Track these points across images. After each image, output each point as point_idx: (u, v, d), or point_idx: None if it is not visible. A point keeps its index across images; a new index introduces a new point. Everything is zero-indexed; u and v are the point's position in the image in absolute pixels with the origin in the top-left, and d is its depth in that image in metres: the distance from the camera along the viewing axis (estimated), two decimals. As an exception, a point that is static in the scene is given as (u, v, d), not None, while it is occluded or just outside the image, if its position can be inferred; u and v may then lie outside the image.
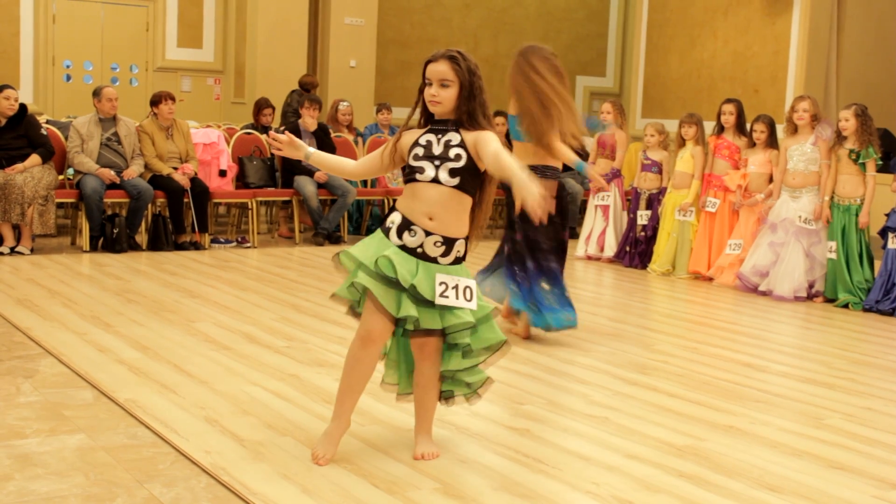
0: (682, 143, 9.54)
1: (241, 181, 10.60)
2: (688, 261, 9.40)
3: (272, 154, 10.91)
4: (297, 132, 10.63)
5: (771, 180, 8.86)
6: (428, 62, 3.96)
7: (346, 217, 11.04)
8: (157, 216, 9.72)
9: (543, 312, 6.35)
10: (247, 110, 12.95)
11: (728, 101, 9.39)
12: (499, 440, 4.41)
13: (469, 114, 3.92)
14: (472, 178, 3.92)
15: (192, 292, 7.59)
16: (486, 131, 3.90)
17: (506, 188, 5.88)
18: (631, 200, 10.12)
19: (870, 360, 6.48)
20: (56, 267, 8.50)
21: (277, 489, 3.71)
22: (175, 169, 9.81)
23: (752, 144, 9.08)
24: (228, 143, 10.76)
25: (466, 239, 4.01)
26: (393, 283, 3.86)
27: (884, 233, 8.19)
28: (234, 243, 10.28)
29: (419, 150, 3.94)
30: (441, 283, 3.88)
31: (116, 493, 3.62)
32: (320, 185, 10.53)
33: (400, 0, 15.64)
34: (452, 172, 3.89)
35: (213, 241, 10.20)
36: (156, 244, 9.62)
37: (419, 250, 3.91)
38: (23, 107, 9.35)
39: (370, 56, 14.80)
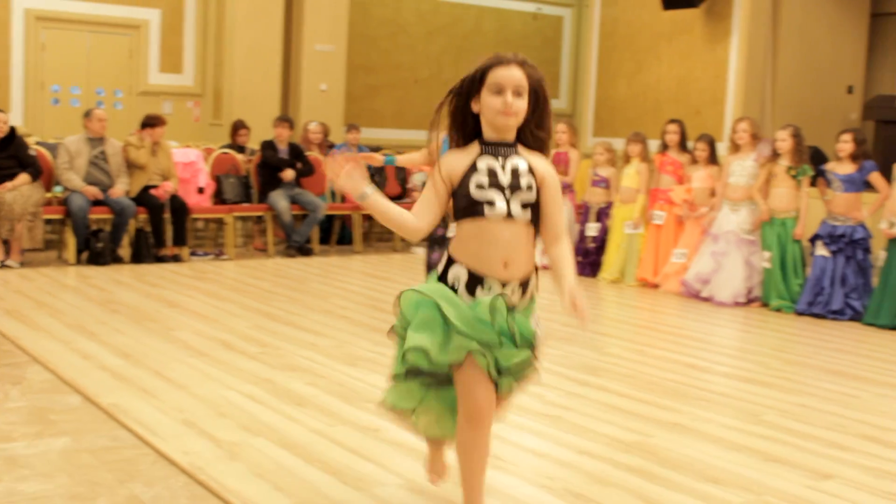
0: (627, 159, 9.60)
1: (219, 197, 10.54)
2: (636, 269, 9.44)
3: (247, 172, 10.86)
4: (273, 148, 10.62)
5: (713, 194, 8.91)
6: (490, 66, 3.09)
7: (317, 230, 11.00)
8: (139, 231, 9.64)
9: None
10: (224, 131, 12.89)
11: (671, 121, 9.46)
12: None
13: (537, 125, 3.19)
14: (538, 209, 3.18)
15: (172, 302, 7.53)
16: (553, 173, 3.24)
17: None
18: (582, 213, 10.14)
19: (803, 360, 6.52)
20: (43, 279, 8.40)
21: (251, 487, 3.68)
22: (156, 186, 9.76)
23: (695, 161, 9.14)
24: (206, 162, 10.70)
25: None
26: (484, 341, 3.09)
27: (814, 241, 8.27)
28: (212, 256, 10.21)
29: (482, 179, 3.09)
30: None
31: (99, 493, 3.57)
32: (292, 201, 10.50)
33: (367, 28, 15.63)
34: (525, 206, 3.11)
35: (192, 253, 10.12)
36: (138, 257, 9.54)
37: None
38: (12, 129, 9.26)
39: (340, 80, 14.77)
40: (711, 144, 9.08)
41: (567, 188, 10.27)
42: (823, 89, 13.41)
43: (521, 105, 3.08)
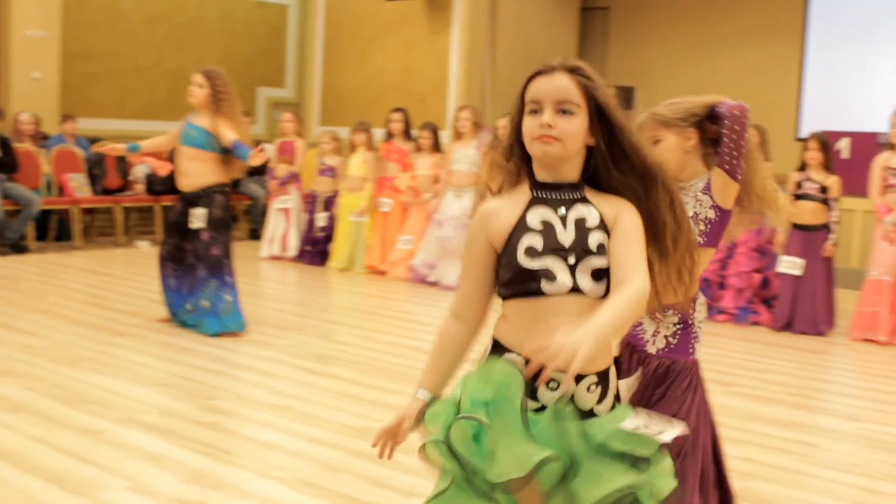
0: (353, 148, 9.70)
1: (-79, 194, 9.82)
2: (364, 257, 9.55)
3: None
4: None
5: (437, 181, 9.14)
6: (528, 79, 2.31)
7: (33, 226, 10.46)
8: None
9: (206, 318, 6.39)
10: (-75, 122, 12.00)
11: (395, 110, 9.64)
12: (187, 435, 4.31)
13: (612, 156, 2.23)
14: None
15: None
16: (631, 212, 2.21)
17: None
18: (309, 203, 10.15)
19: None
20: None
21: (-38, 501, 3.47)
22: None
23: (419, 149, 9.34)
24: None
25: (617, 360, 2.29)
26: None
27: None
28: (-85, 256, 9.51)
29: (534, 240, 2.16)
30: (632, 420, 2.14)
31: None
32: (4, 195, 9.93)
33: (83, 14, 14.95)
34: (597, 275, 2.16)
35: None
36: None
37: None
38: None
39: (55, 68, 14.05)
40: (435, 133, 9.33)
41: (293, 178, 10.26)
42: (539, 79, 14.04)
43: (569, 126, 2.18)
